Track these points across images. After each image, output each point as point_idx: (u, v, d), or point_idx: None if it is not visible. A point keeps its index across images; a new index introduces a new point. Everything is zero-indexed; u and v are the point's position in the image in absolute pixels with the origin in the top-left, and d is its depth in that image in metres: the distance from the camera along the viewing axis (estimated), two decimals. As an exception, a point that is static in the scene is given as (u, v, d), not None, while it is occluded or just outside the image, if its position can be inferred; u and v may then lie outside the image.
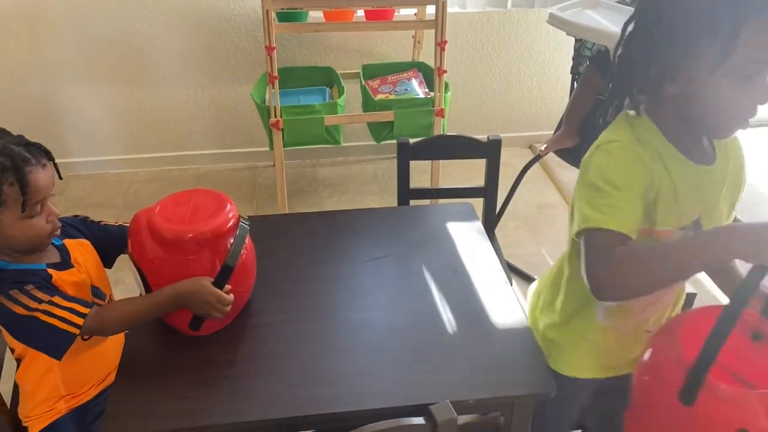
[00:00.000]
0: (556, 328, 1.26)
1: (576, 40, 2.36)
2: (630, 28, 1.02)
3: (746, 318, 0.94)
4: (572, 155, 2.37)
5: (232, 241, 1.22)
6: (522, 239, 2.69)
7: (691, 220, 1.06)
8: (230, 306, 1.20)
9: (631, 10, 2.24)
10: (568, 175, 3.06)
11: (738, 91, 0.92)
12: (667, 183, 1.02)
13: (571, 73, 2.43)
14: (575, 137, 2.30)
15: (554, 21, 2.19)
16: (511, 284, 1.51)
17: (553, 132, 2.40)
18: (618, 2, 2.38)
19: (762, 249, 0.85)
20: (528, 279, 2.44)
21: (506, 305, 1.36)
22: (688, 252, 0.91)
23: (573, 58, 2.41)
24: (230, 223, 1.22)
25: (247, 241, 1.26)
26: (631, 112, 1.07)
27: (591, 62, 2.34)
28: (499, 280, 1.44)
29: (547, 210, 2.90)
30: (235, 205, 1.27)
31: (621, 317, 1.18)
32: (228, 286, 1.20)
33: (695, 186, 1.05)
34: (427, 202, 2.19)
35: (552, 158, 2.49)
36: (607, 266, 0.95)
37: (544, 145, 2.40)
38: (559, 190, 3.04)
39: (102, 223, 1.41)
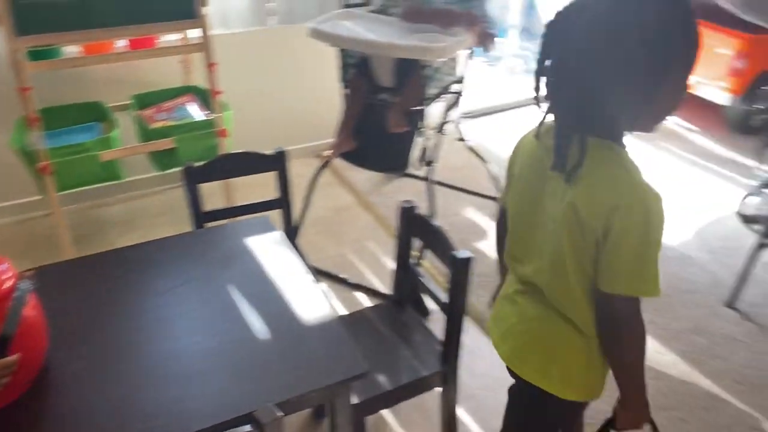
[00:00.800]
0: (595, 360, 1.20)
1: (340, 50, 2.51)
2: (556, 68, 1.04)
3: None
4: (354, 157, 2.53)
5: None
6: (325, 243, 2.80)
7: None
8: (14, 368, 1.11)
9: (385, 18, 2.45)
10: (357, 176, 3.24)
11: (683, 83, 1.04)
12: None
13: (341, 81, 2.58)
14: (353, 140, 2.46)
15: (315, 34, 2.31)
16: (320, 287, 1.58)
17: (335, 138, 2.54)
18: (371, 11, 2.58)
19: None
20: (337, 280, 2.54)
21: (314, 304, 1.43)
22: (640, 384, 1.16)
23: (340, 67, 2.56)
24: (6, 285, 1.13)
25: (30, 300, 1.18)
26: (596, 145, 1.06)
27: (356, 69, 2.51)
28: (305, 282, 1.51)
29: (344, 211, 3.05)
30: (10, 263, 1.18)
31: None
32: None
33: None
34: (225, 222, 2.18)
35: (339, 162, 2.62)
36: (639, 333, 1.11)
37: (329, 151, 2.53)
38: (351, 191, 3.20)
39: None
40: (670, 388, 2.03)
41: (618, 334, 1.12)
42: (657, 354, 2.17)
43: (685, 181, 3.22)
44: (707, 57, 3.50)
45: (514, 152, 1.24)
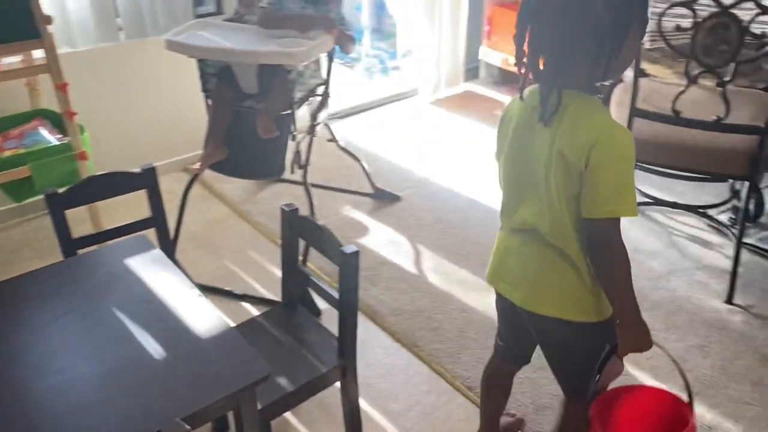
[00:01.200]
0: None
1: (198, 60, 2.48)
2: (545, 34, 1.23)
3: None
4: (225, 167, 2.50)
5: None
6: (204, 258, 2.75)
7: None
8: None
9: (242, 26, 2.45)
10: (228, 186, 3.20)
11: (637, 43, 1.26)
12: None
13: (203, 91, 2.55)
14: (224, 149, 2.44)
15: (172, 46, 2.27)
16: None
17: (203, 149, 2.50)
18: (226, 20, 2.57)
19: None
20: (222, 293, 2.50)
21: (204, 316, 1.42)
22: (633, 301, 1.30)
23: (200, 78, 2.53)
24: None
25: None
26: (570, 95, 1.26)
27: (218, 79, 2.49)
28: (192, 295, 1.49)
29: (219, 224, 3.00)
30: None
31: None
32: None
33: None
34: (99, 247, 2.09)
35: (209, 174, 2.58)
36: (623, 250, 1.27)
37: (198, 163, 2.49)
38: (224, 202, 3.15)
39: None
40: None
41: (606, 254, 1.28)
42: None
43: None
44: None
45: (503, 117, 1.41)
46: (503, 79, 4.31)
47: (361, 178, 3.16)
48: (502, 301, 1.54)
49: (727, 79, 2.10)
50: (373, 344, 2.28)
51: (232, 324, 2.29)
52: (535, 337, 1.50)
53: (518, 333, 1.56)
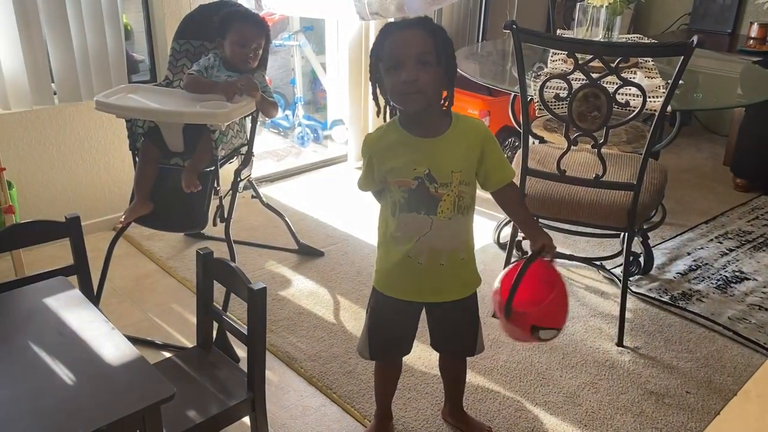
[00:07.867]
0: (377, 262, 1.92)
1: (127, 120, 2.63)
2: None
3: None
4: (151, 220, 2.62)
5: None
6: (128, 311, 2.81)
7: (422, 173, 1.70)
8: None
9: (170, 90, 2.63)
10: (156, 244, 3.29)
11: (392, 78, 1.64)
12: (389, 152, 1.73)
13: (132, 149, 2.69)
14: (149, 204, 2.57)
15: (102, 106, 2.43)
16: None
17: (129, 204, 2.62)
18: (156, 85, 2.75)
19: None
20: (143, 342, 2.57)
21: (115, 345, 1.52)
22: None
23: (128, 137, 2.68)
24: None
25: None
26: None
27: (146, 137, 2.65)
28: (105, 328, 1.59)
29: (145, 279, 3.07)
30: None
31: (402, 244, 1.80)
32: None
33: (418, 151, 1.71)
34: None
35: (137, 232, 2.68)
36: None
37: (123, 216, 2.60)
38: (152, 259, 3.23)
39: None
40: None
41: None
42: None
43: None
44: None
45: None
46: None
47: (286, 235, 3.31)
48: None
49: (600, 141, 2.39)
50: (288, 388, 2.38)
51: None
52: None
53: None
